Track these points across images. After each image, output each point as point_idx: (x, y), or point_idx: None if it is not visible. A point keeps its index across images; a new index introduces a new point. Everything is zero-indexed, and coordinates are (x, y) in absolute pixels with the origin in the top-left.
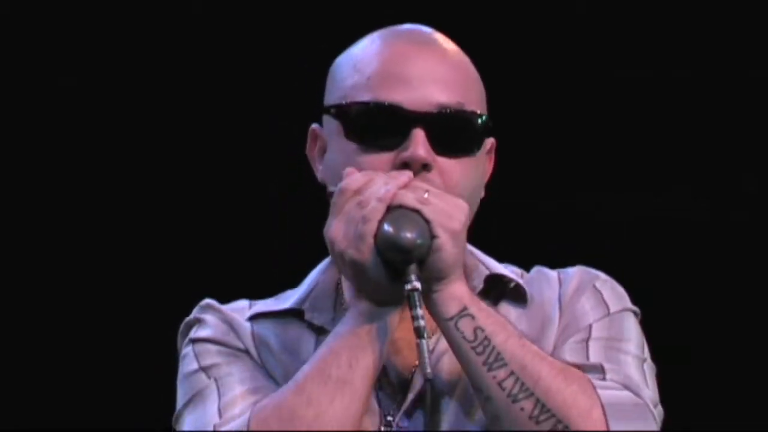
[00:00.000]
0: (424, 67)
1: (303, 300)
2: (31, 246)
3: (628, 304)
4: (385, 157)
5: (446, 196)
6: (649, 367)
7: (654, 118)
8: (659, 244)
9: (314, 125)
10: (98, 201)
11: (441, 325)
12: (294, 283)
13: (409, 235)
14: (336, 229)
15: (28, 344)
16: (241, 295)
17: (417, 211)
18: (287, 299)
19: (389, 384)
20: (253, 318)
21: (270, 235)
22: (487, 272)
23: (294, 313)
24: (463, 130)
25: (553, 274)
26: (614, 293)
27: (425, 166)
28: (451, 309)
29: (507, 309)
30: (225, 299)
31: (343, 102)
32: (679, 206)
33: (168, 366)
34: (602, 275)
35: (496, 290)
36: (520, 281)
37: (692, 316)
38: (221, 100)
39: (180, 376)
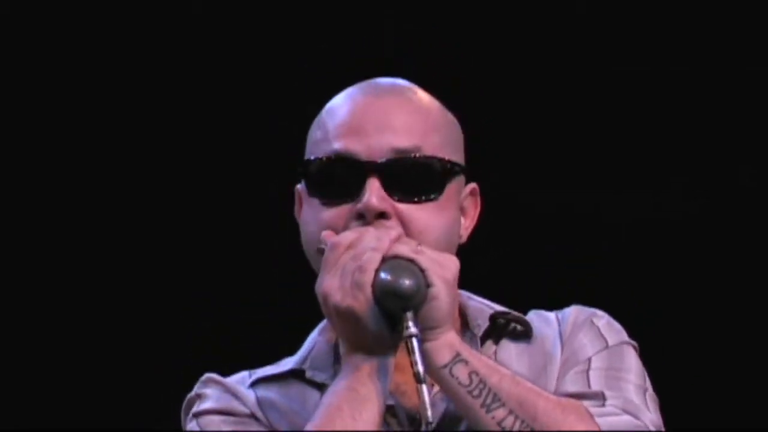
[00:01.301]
0: (381, 115)
1: (303, 360)
2: (32, 247)
3: (626, 337)
4: (345, 209)
5: (435, 251)
6: (651, 396)
7: (649, 116)
8: (657, 243)
9: (298, 186)
10: (96, 203)
11: (436, 373)
12: (294, 285)
13: (407, 282)
14: (330, 283)
15: (28, 345)
16: (239, 296)
17: (412, 261)
18: (287, 363)
19: (398, 425)
20: (255, 384)
21: (270, 236)
22: (490, 311)
23: (295, 374)
24: (421, 175)
25: (550, 314)
26: (611, 328)
27: (382, 215)
28: (445, 357)
29: (509, 346)
30: (222, 297)
31: (309, 158)
32: (676, 206)
33: (166, 365)
34: (598, 312)
35: (497, 330)
36: (521, 315)
37: (691, 314)
38: (220, 102)
39: None
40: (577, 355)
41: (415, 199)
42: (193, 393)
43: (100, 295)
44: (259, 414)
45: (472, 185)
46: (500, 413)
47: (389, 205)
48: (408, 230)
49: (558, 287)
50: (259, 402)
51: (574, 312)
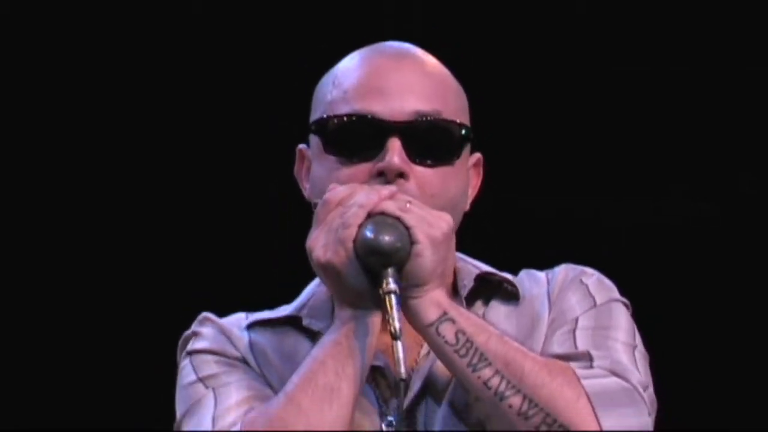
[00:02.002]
0: (401, 78)
1: (300, 308)
2: (32, 247)
3: (616, 295)
4: (364, 168)
5: (429, 209)
6: (640, 353)
7: (649, 122)
8: (658, 248)
9: (301, 145)
10: (97, 204)
11: (422, 331)
12: (294, 287)
13: (387, 238)
14: (316, 238)
15: (28, 345)
16: (240, 297)
17: (398, 218)
18: (284, 309)
19: (387, 386)
20: (250, 327)
21: (270, 237)
22: (477, 271)
23: (291, 321)
24: (440, 139)
25: (540, 274)
26: (600, 286)
27: (401, 175)
28: (431, 315)
29: (498, 307)
30: (222, 298)
31: (323, 115)
32: (677, 211)
33: (167, 366)
34: (588, 270)
35: (487, 290)
36: (509, 277)
37: (691, 319)
38: (218, 104)
39: (178, 388)
40: (565, 314)
41: (433, 162)
42: (189, 331)
43: (100, 295)
44: (249, 358)
45: (478, 155)
46: (486, 373)
47: (408, 167)
48: (423, 192)
49: None
50: (251, 345)
51: (563, 271)
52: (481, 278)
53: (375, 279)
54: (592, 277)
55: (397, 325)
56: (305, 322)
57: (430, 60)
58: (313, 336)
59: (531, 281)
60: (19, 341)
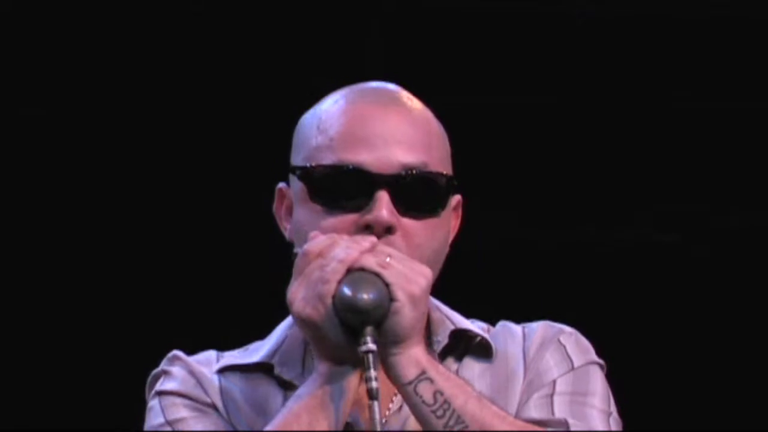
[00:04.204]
0: (388, 128)
1: (272, 354)
2: (31, 245)
3: (593, 357)
4: (350, 219)
5: (409, 260)
6: (615, 420)
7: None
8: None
9: (281, 184)
10: (85, 211)
11: (400, 389)
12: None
13: (366, 296)
14: (295, 291)
15: (28, 345)
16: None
17: (377, 275)
18: (255, 352)
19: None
20: (221, 371)
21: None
22: (452, 327)
23: (262, 367)
24: (427, 191)
25: (517, 328)
26: (578, 347)
27: (389, 229)
28: (409, 373)
29: (471, 364)
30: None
31: (308, 164)
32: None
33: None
34: (566, 329)
35: (461, 345)
36: (486, 335)
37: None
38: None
39: (146, 428)
40: (542, 377)
41: (420, 215)
42: (159, 369)
43: (99, 295)
44: (220, 406)
45: (457, 197)
46: None
47: (396, 220)
48: (409, 243)
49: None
50: (222, 393)
51: (541, 329)
52: (456, 335)
53: (354, 335)
54: (570, 337)
55: (374, 385)
56: (277, 370)
57: (416, 105)
58: (284, 384)
59: (506, 336)
60: (18, 342)
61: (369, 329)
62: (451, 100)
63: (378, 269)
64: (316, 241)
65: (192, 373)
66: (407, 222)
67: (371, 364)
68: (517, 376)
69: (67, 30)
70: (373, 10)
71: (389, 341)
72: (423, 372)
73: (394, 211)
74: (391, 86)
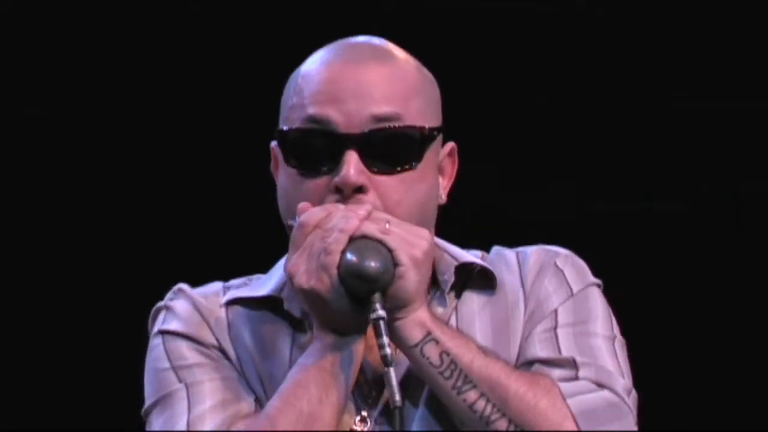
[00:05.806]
0: (360, 82)
1: (280, 288)
2: (31, 245)
3: (590, 278)
4: (322, 182)
5: (406, 224)
6: (620, 344)
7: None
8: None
9: (273, 143)
10: (85, 211)
11: (406, 352)
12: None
13: (373, 264)
14: (296, 264)
15: (27, 345)
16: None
17: (379, 241)
18: (262, 285)
19: (365, 382)
20: (228, 304)
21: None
22: (455, 263)
23: (270, 301)
24: (399, 146)
25: (511, 254)
26: (575, 270)
27: (359, 189)
28: (415, 336)
29: (472, 298)
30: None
31: (283, 128)
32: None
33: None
34: (562, 251)
35: (461, 279)
36: (487, 265)
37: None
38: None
39: (149, 368)
40: (543, 307)
41: (393, 170)
42: (162, 303)
43: (99, 295)
44: (226, 343)
45: (451, 145)
46: (471, 396)
47: (366, 179)
48: (384, 202)
49: None
50: (230, 327)
51: (535, 254)
52: (460, 269)
53: (359, 303)
54: (567, 260)
55: (388, 351)
56: (286, 305)
57: (394, 57)
58: (293, 323)
59: (502, 264)
60: (18, 342)
61: (377, 296)
62: (451, 100)
63: (380, 236)
64: (312, 212)
65: (197, 309)
66: (381, 179)
67: (383, 331)
68: (518, 308)
69: (66, 30)
70: (373, 10)
71: (394, 306)
72: (428, 333)
73: (364, 169)
74: (376, 40)
